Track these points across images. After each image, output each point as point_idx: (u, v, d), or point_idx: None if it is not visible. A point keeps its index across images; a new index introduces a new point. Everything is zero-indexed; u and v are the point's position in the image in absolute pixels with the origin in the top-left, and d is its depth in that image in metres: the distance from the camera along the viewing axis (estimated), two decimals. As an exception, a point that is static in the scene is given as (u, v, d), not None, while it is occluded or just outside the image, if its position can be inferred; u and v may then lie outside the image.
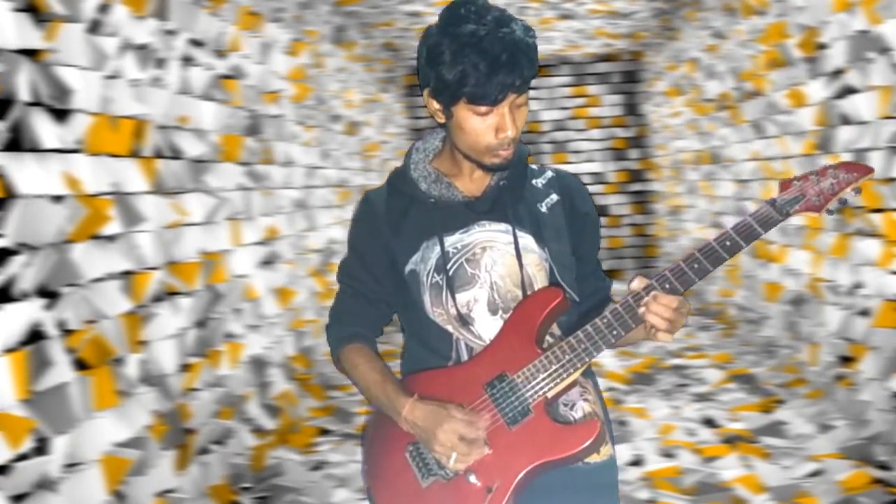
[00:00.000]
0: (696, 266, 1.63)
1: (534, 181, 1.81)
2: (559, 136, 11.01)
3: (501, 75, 1.58)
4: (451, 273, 1.73)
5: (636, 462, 4.29)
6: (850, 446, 4.20)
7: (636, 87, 10.95)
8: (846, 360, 4.67)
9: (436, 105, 1.68)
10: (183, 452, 3.57)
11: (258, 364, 4.73)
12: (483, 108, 1.62)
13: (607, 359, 6.47)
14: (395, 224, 1.77)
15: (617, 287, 1.79)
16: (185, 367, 3.70)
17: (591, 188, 10.96)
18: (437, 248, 1.74)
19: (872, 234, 4.29)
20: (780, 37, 5.51)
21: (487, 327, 1.73)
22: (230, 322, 4.32)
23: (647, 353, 6.63)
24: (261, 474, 4.38)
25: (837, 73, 4.60)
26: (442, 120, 1.70)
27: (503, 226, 1.75)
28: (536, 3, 7.54)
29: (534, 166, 1.84)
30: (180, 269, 3.71)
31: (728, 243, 1.63)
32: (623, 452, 4.41)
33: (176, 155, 3.76)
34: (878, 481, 3.83)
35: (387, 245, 1.78)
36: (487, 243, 1.74)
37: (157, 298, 3.46)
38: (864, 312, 4.42)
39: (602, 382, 5.84)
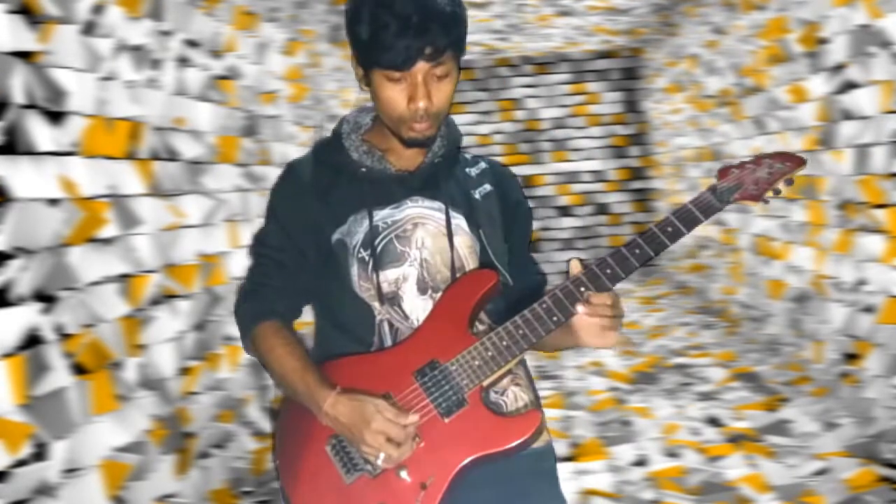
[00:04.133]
0: (637, 252, 1.59)
1: (467, 169, 1.76)
2: (559, 133, 10.98)
3: (409, 39, 1.51)
4: (378, 249, 1.64)
5: (640, 462, 4.26)
6: (855, 444, 4.18)
7: (636, 83, 10.92)
8: (851, 357, 4.65)
9: (360, 71, 1.62)
10: (183, 457, 3.55)
11: (258, 367, 4.69)
12: (395, 75, 1.55)
13: (609, 358, 6.45)
14: (321, 193, 1.68)
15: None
16: (185, 371, 3.67)
17: (592, 186, 10.99)
18: (366, 223, 1.65)
19: (876, 230, 4.27)
20: (780, 32, 5.48)
21: (415, 307, 1.65)
22: (229, 324, 4.29)
23: (649, 352, 6.60)
24: (261, 478, 4.36)
25: (839, 67, 4.57)
26: (365, 87, 1.63)
27: (436, 203, 1.68)
28: None
29: (467, 155, 1.79)
30: (178, 271, 3.68)
31: (670, 229, 1.59)
32: (626, 452, 4.38)
33: (172, 157, 3.74)
34: (884, 479, 3.80)
35: (312, 215, 1.67)
36: (419, 219, 1.66)
37: (156, 301, 3.43)
38: (869, 309, 4.40)
39: (605, 382, 5.83)
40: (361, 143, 1.70)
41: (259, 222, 5.36)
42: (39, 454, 2.55)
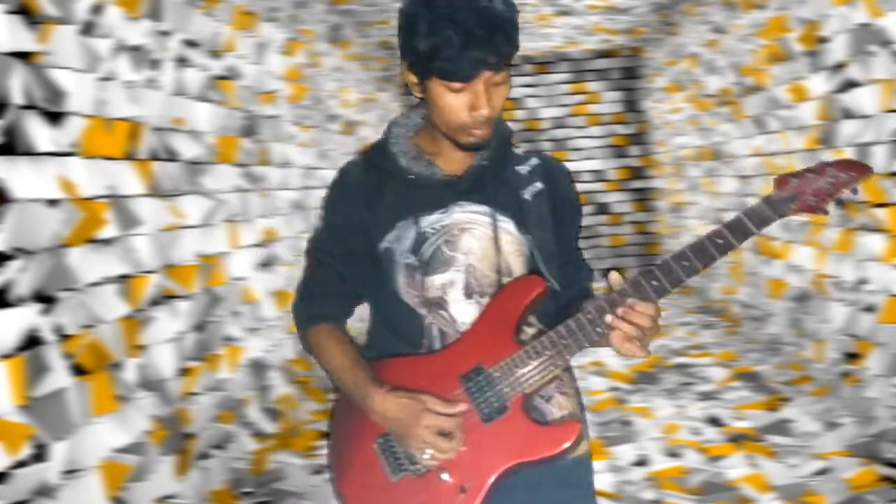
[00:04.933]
0: (685, 264, 1.55)
1: (517, 167, 1.74)
2: (559, 133, 10.98)
3: (475, 51, 1.50)
4: (426, 254, 1.66)
5: (641, 462, 4.26)
6: (857, 444, 4.17)
7: (636, 83, 10.92)
8: (852, 356, 4.64)
9: (413, 78, 1.62)
10: (183, 457, 3.54)
11: (258, 367, 4.69)
12: (456, 84, 1.55)
13: (610, 358, 6.44)
14: (371, 199, 1.69)
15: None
16: (184, 372, 3.66)
17: (592, 186, 10.98)
18: (414, 228, 1.66)
19: (877, 229, 4.26)
20: (780, 31, 5.47)
21: (462, 311, 1.66)
22: (229, 325, 4.29)
23: (650, 351, 6.58)
24: (262, 479, 4.35)
25: (839, 66, 4.56)
26: (419, 94, 1.64)
27: (483, 207, 1.68)
28: None
29: (518, 151, 1.78)
30: (178, 272, 3.67)
31: (720, 241, 1.54)
32: (627, 452, 4.37)
33: (172, 157, 3.73)
34: (885, 479, 3.79)
35: (361, 219, 1.69)
36: (466, 224, 1.67)
37: (155, 302, 3.42)
38: (870, 308, 4.39)
39: (605, 382, 5.82)
40: (411, 148, 1.71)
41: (259, 223, 5.35)
42: (39, 455, 2.55)
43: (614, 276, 1.57)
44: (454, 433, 1.57)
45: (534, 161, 1.77)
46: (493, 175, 1.70)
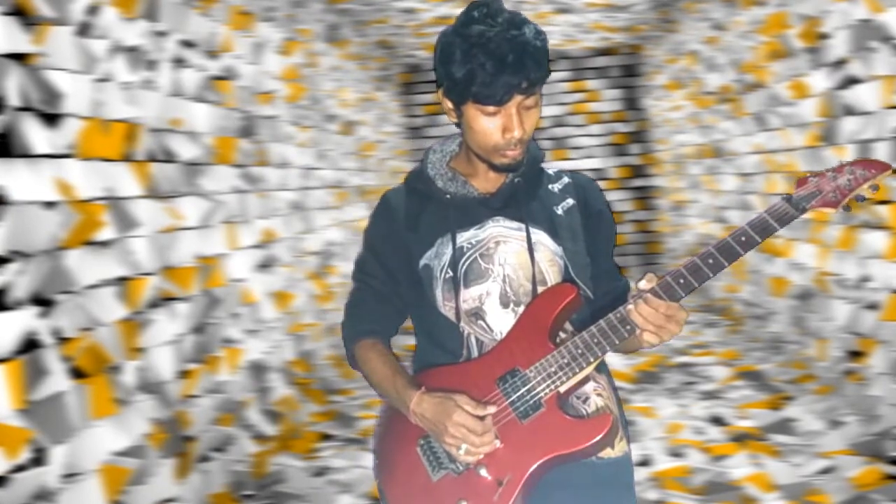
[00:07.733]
0: (710, 262, 1.63)
1: (550, 185, 1.84)
2: (559, 132, 10.96)
3: (507, 76, 1.61)
4: (463, 268, 1.75)
5: (644, 462, 4.24)
6: (861, 442, 4.15)
7: (636, 80, 10.90)
8: (855, 354, 4.62)
9: (448, 104, 1.72)
10: (183, 460, 3.53)
11: (257, 369, 4.67)
12: (490, 108, 1.65)
13: (612, 357, 6.41)
14: (411, 221, 1.81)
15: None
16: (184, 374, 3.65)
17: (592, 184, 10.95)
18: (451, 244, 1.76)
19: (879, 227, 4.24)
20: (780, 27, 5.45)
21: (499, 321, 1.75)
22: (228, 327, 4.27)
23: (652, 351, 6.57)
24: (262, 481, 4.33)
25: (840, 63, 4.54)
26: (454, 119, 1.73)
27: (517, 222, 1.77)
28: (533, -2, 7.48)
29: (550, 171, 1.87)
30: (176, 274, 3.66)
31: (743, 238, 1.62)
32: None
33: (169, 158, 3.71)
34: (890, 477, 3.78)
35: (403, 242, 1.80)
36: (501, 237, 1.77)
37: (154, 304, 3.41)
38: (873, 306, 4.37)
39: (607, 381, 5.80)
40: (447, 171, 1.81)
41: (257, 224, 5.33)
42: (38, 459, 2.54)
43: (649, 277, 1.65)
44: (486, 427, 1.64)
45: (565, 179, 1.86)
46: (526, 192, 1.80)
